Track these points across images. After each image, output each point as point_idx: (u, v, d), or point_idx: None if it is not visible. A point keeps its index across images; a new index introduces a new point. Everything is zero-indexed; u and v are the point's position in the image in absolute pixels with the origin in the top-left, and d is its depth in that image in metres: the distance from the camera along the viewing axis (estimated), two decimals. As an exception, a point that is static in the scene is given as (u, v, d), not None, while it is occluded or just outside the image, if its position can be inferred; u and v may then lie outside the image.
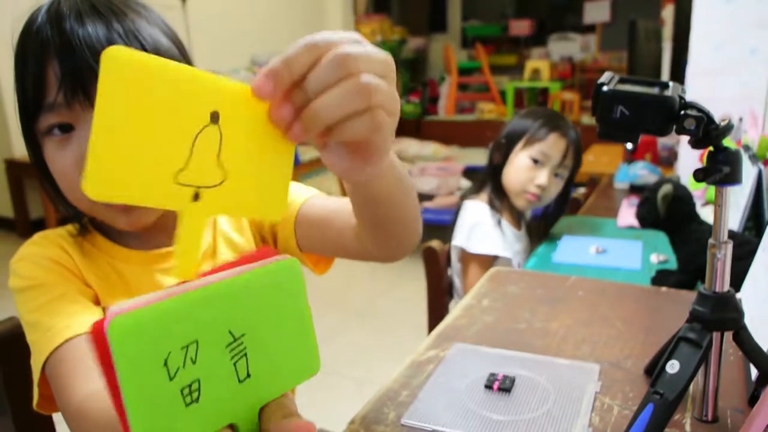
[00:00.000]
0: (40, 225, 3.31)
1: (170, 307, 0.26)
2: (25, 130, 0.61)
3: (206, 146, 0.29)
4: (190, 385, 0.27)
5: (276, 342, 0.32)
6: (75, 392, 0.53)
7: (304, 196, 0.73)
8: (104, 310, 0.63)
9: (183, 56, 0.66)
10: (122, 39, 0.58)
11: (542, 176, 1.31)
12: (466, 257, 1.35)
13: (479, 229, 1.33)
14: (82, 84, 0.56)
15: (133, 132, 0.27)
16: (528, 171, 1.32)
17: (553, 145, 1.31)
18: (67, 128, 0.59)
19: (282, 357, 0.32)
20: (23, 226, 3.49)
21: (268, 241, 0.75)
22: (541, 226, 1.45)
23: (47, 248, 0.65)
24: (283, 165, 0.33)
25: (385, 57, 0.34)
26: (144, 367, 0.25)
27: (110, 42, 0.57)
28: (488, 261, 1.31)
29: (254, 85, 0.31)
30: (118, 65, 0.25)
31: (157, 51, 0.61)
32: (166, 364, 0.26)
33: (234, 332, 0.29)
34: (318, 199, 0.71)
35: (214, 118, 0.29)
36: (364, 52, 0.32)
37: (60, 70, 0.56)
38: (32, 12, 0.60)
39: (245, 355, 0.29)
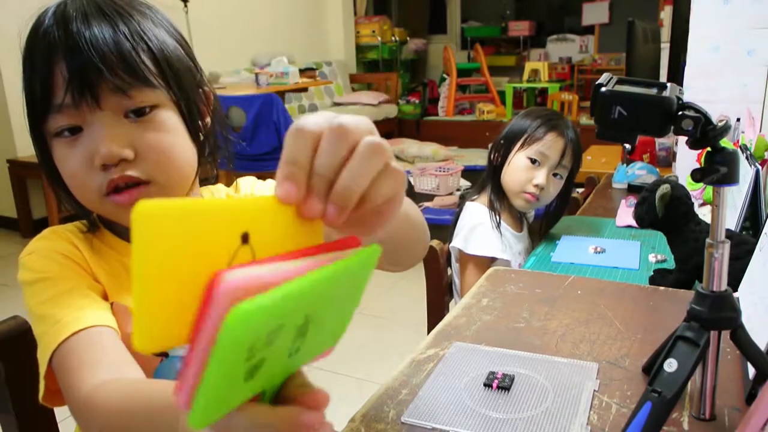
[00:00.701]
0: (42, 225, 3.28)
1: (280, 297, 0.26)
2: (33, 131, 0.62)
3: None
4: (257, 364, 0.27)
5: (332, 322, 0.32)
6: (83, 384, 0.54)
7: None
8: (113, 305, 0.64)
9: (188, 56, 0.66)
10: (128, 40, 0.58)
11: (540, 176, 1.31)
12: (463, 258, 1.35)
13: (478, 231, 1.33)
14: (89, 85, 0.57)
15: (172, 278, 0.27)
16: (526, 171, 1.32)
17: (550, 145, 1.31)
18: (75, 130, 0.59)
19: (327, 334, 0.33)
20: (26, 226, 3.49)
21: None
22: (542, 226, 1.45)
23: (57, 243, 0.65)
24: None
25: (366, 119, 0.34)
26: (238, 350, 0.25)
27: (116, 43, 0.57)
28: (485, 263, 1.31)
29: (281, 195, 0.31)
30: (148, 219, 0.25)
31: (163, 51, 0.61)
32: (252, 347, 0.26)
33: (308, 316, 0.29)
34: None
35: (245, 238, 0.29)
36: (352, 120, 0.33)
37: (67, 71, 0.57)
38: (39, 14, 0.60)
39: (305, 334, 0.30)
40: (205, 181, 0.75)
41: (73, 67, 0.57)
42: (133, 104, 0.59)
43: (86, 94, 0.57)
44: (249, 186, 0.79)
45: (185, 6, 4.18)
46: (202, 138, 0.67)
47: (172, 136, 0.62)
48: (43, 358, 0.58)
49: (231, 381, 0.26)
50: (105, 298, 0.64)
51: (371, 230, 0.35)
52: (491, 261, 1.31)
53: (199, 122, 0.67)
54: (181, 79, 0.63)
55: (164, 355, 0.66)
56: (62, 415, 0.69)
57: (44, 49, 0.58)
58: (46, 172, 0.64)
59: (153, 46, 0.60)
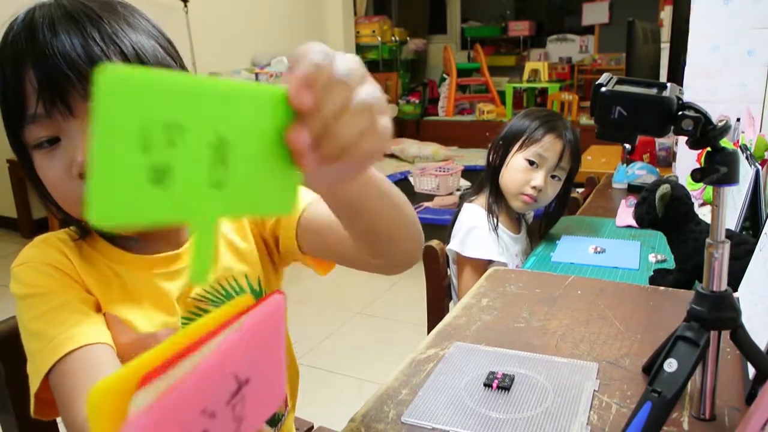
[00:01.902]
0: (42, 225, 3.31)
1: (165, 77, 0.25)
2: (13, 142, 0.60)
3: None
4: (161, 167, 0.25)
5: (257, 164, 0.31)
6: (79, 412, 0.54)
7: (305, 200, 0.73)
8: (105, 315, 0.64)
9: (169, 54, 0.64)
10: (98, 45, 0.56)
11: (538, 178, 1.31)
12: (460, 261, 1.35)
13: (474, 233, 1.33)
14: (60, 94, 0.55)
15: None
16: (524, 173, 1.32)
17: (549, 146, 1.31)
18: (53, 140, 0.58)
19: (261, 181, 0.31)
20: (26, 226, 3.49)
21: (269, 244, 0.75)
22: (541, 226, 1.45)
23: (48, 253, 0.64)
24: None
25: (356, 59, 0.34)
26: (122, 124, 0.24)
27: (85, 49, 0.56)
28: (482, 265, 1.31)
29: (297, 99, 0.31)
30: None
31: (137, 53, 0.59)
32: (144, 133, 0.25)
33: (220, 134, 0.28)
34: (320, 205, 0.71)
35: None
36: (347, 67, 0.33)
37: (36, 81, 0.55)
38: (11, 21, 0.58)
39: (225, 162, 0.28)
40: None
41: (41, 77, 0.55)
42: None
43: (58, 103, 0.55)
44: None
45: (185, 6, 4.17)
46: None
47: None
48: (35, 375, 0.58)
49: (128, 171, 0.24)
50: (98, 309, 0.64)
51: (340, 177, 0.36)
52: (488, 263, 1.31)
53: None
54: None
55: None
56: (57, 417, 0.69)
57: (12, 59, 0.56)
58: (33, 181, 0.63)
59: (125, 49, 0.58)
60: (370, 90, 0.33)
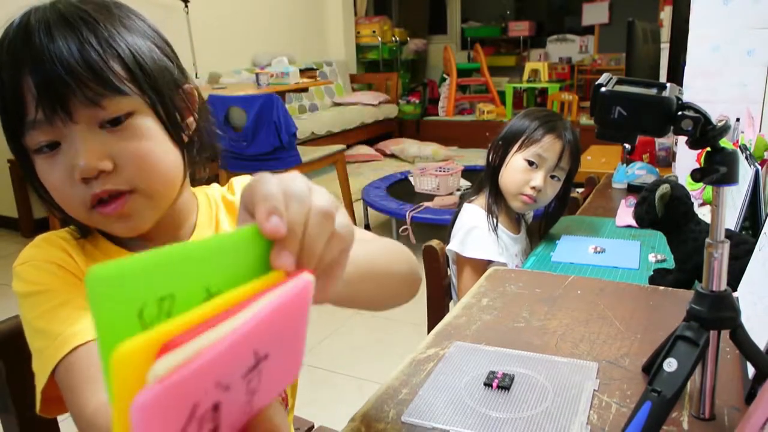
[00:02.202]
0: (43, 224, 3.31)
1: (148, 259, 0.26)
2: (13, 145, 0.60)
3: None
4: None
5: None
6: (86, 403, 0.54)
7: None
8: None
9: (166, 55, 0.64)
10: (95, 48, 0.56)
11: (537, 178, 1.31)
12: (460, 261, 1.36)
13: (474, 234, 1.33)
14: (59, 99, 0.55)
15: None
16: (523, 173, 1.32)
17: (548, 147, 1.31)
18: (54, 145, 0.58)
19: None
20: (27, 226, 3.49)
21: None
22: (541, 226, 1.45)
23: (50, 251, 0.64)
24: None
25: (295, 174, 0.37)
26: (119, 315, 0.25)
27: (83, 54, 0.55)
28: (482, 265, 1.31)
29: (269, 229, 0.33)
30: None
31: (134, 56, 0.59)
32: (141, 315, 0.26)
33: (210, 290, 0.29)
34: None
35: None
36: (295, 185, 0.35)
37: (35, 87, 0.55)
38: (7, 25, 0.58)
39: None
40: (198, 181, 0.74)
41: (40, 83, 0.55)
42: (108, 114, 0.57)
43: (57, 109, 0.55)
44: (244, 184, 0.77)
45: (185, 6, 4.18)
46: (186, 139, 0.66)
47: (150, 142, 0.60)
48: (41, 372, 0.58)
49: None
50: None
51: (322, 289, 0.37)
52: (488, 264, 1.31)
53: (182, 123, 0.65)
54: (157, 82, 0.61)
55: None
56: (63, 414, 0.69)
57: (9, 64, 0.56)
58: (33, 184, 0.63)
59: (122, 52, 0.58)
60: (320, 197, 0.36)
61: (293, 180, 0.36)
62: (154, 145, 0.61)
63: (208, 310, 0.28)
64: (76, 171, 0.57)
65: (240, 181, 0.78)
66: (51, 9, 0.57)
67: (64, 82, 0.54)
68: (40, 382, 0.58)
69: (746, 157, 1.09)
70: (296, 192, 0.35)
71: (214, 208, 0.74)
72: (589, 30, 7.12)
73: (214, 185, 0.78)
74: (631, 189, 1.76)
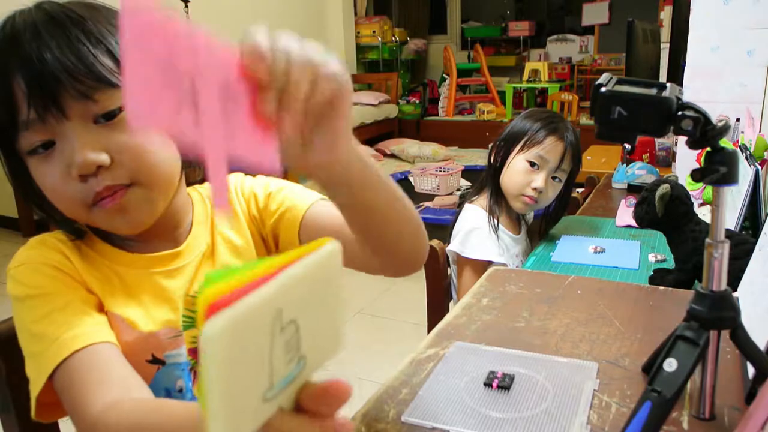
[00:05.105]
0: (43, 224, 3.30)
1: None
2: (4, 149, 0.60)
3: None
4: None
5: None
6: (91, 404, 0.53)
7: (308, 200, 0.72)
8: (108, 314, 0.63)
9: None
10: (83, 44, 0.56)
11: (539, 180, 1.31)
12: (460, 261, 1.36)
13: (474, 234, 1.33)
14: (51, 96, 0.55)
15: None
16: (525, 174, 1.32)
17: (550, 148, 1.31)
18: (48, 144, 0.57)
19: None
20: (27, 226, 3.48)
21: (268, 242, 0.75)
22: (541, 226, 1.45)
23: (46, 253, 0.63)
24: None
25: (287, 33, 0.39)
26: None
27: (71, 48, 0.55)
28: (482, 266, 1.31)
29: (251, 65, 0.36)
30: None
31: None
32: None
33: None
34: (324, 206, 0.70)
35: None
36: (282, 37, 0.38)
37: (25, 86, 0.55)
38: None
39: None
40: (191, 183, 0.73)
41: (30, 80, 0.54)
42: (101, 108, 0.57)
43: (50, 106, 0.55)
44: (238, 182, 0.76)
45: (186, 6, 4.18)
46: None
47: (146, 134, 0.59)
48: (38, 377, 0.57)
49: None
50: (100, 308, 0.63)
51: (331, 144, 0.40)
52: (488, 264, 1.31)
53: None
54: None
55: (161, 363, 0.65)
56: (57, 419, 0.69)
57: None
58: (21, 191, 0.62)
59: (111, 47, 0.58)
60: (305, 46, 0.38)
61: (283, 33, 0.38)
62: (150, 137, 0.60)
63: (247, 277, 0.29)
64: (73, 168, 0.56)
65: (232, 178, 0.78)
66: (36, 11, 0.57)
67: (54, 78, 0.54)
68: (36, 386, 0.58)
69: (746, 157, 1.09)
70: (281, 39, 0.37)
71: (209, 206, 0.74)
72: (589, 30, 7.12)
73: (207, 184, 0.78)
74: (631, 189, 1.76)
